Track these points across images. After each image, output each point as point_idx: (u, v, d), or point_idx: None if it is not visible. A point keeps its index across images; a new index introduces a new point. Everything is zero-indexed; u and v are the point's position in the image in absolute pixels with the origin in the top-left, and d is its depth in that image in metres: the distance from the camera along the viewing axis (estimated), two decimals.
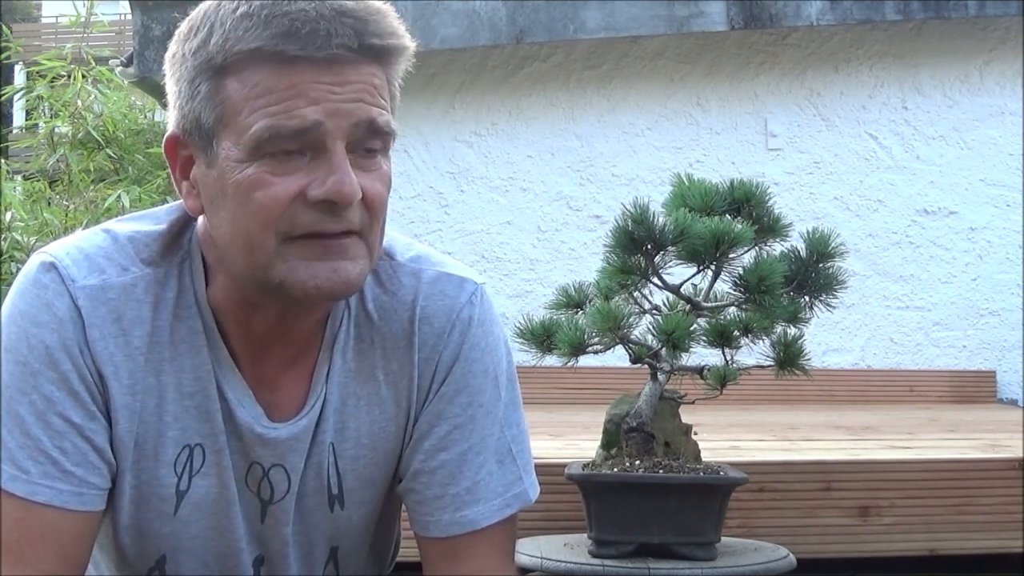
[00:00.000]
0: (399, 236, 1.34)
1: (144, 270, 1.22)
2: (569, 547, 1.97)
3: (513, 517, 1.32)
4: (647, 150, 5.16)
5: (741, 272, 1.86)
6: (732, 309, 1.89)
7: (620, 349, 1.88)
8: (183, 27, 1.16)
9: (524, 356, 1.81)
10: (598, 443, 1.99)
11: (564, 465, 1.97)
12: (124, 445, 1.22)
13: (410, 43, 1.17)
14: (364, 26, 1.11)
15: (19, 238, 5.75)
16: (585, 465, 1.95)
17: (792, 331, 1.88)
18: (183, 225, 1.26)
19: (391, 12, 1.16)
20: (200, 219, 1.23)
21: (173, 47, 1.16)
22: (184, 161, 1.18)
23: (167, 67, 1.17)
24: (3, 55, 7.11)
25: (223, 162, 1.12)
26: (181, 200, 1.22)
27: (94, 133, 6.49)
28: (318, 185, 1.10)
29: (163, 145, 1.20)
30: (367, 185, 1.13)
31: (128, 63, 5.36)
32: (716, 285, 1.91)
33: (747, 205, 1.90)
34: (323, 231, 1.12)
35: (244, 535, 1.29)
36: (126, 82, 5.96)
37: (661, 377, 1.89)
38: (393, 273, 1.29)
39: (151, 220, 1.26)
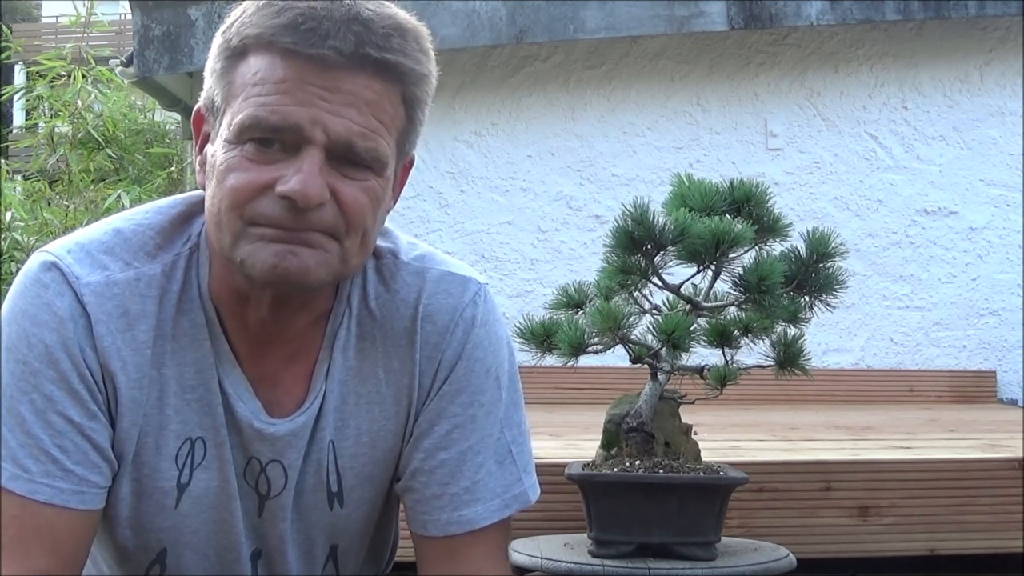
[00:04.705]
0: (403, 235, 1.34)
1: (147, 264, 1.23)
2: (569, 547, 1.97)
3: (509, 517, 1.33)
4: (647, 150, 5.15)
5: (741, 272, 1.85)
6: (732, 309, 1.89)
7: (620, 349, 1.88)
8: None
9: (524, 356, 1.81)
10: (598, 443, 1.98)
11: (564, 465, 1.97)
12: (129, 438, 1.22)
13: (424, 68, 1.16)
14: (369, 36, 1.11)
15: (19, 238, 5.76)
16: (585, 465, 1.95)
17: (792, 331, 1.87)
18: (187, 217, 1.27)
19: (420, 36, 1.16)
20: None
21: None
22: (204, 136, 1.21)
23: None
24: (3, 55, 7.12)
25: (219, 140, 1.15)
26: (186, 193, 1.24)
27: (94, 133, 6.51)
28: (285, 181, 1.12)
29: (191, 117, 1.24)
30: (344, 191, 1.14)
31: (128, 63, 5.35)
32: (716, 285, 1.90)
33: (747, 205, 1.90)
34: (284, 225, 1.13)
35: (243, 529, 1.29)
36: (126, 82, 5.96)
37: (661, 377, 1.89)
38: (396, 271, 1.30)
39: (155, 213, 1.27)
